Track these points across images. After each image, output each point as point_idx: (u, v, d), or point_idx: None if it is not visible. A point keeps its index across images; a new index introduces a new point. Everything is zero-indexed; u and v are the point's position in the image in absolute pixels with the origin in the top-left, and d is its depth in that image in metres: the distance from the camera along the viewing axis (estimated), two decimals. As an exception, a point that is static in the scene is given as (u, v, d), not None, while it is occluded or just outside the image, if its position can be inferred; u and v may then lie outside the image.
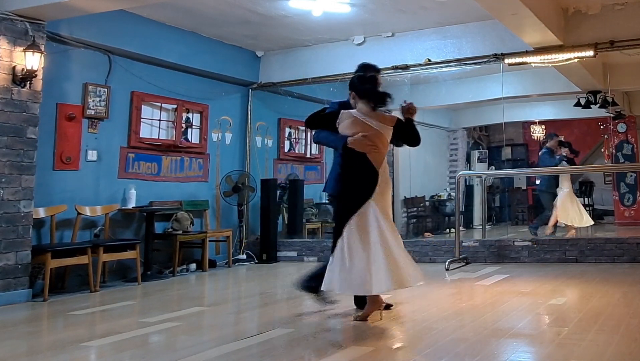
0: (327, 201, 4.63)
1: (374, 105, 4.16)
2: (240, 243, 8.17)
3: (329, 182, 4.48)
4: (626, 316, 4.12)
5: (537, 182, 10.09)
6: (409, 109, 4.33)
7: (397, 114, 4.39)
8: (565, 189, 8.98)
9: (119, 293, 5.73)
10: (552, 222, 8.89)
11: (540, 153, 9.49)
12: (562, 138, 9.73)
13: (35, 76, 5.46)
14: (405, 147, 4.85)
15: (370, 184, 4.09)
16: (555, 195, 8.99)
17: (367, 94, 4.17)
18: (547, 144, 9.24)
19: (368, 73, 4.36)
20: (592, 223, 9.16)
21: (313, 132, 4.55)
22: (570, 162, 9.00)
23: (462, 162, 12.49)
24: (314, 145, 9.92)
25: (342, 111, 4.24)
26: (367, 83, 4.22)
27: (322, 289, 4.14)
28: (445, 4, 6.74)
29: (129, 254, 6.24)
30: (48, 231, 5.98)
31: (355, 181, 4.13)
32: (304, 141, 9.83)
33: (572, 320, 4.01)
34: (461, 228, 9.34)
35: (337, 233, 4.11)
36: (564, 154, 8.99)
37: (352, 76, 4.48)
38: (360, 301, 4.41)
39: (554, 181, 9.07)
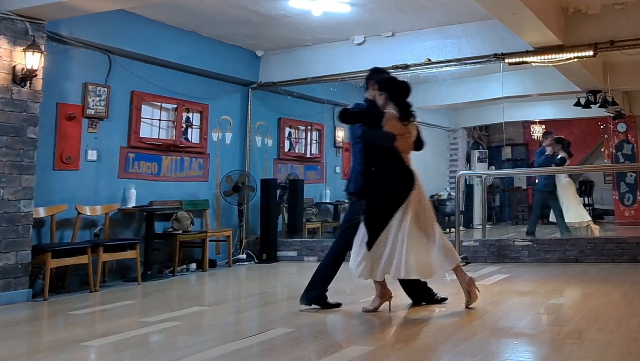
0: (347, 200, 4.67)
1: (403, 117, 4.36)
2: (240, 243, 8.17)
3: (352, 180, 4.55)
4: (626, 316, 4.12)
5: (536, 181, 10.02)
6: None
7: None
8: (563, 179, 8.82)
9: (119, 293, 5.73)
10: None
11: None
12: (562, 136, 9.56)
13: (35, 75, 5.46)
14: None
15: (409, 184, 4.32)
16: (553, 193, 8.82)
17: (401, 104, 4.38)
18: (543, 143, 9.16)
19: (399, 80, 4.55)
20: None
21: (360, 130, 4.49)
22: (561, 161, 8.73)
23: (462, 162, 12.50)
24: (314, 145, 9.93)
25: (387, 111, 4.36)
26: (404, 94, 4.42)
27: (361, 277, 4.35)
28: (445, 4, 6.74)
29: (129, 254, 6.24)
30: (48, 230, 5.98)
31: (395, 181, 4.32)
32: (304, 140, 9.83)
33: (572, 320, 4.01)
34: (461, 228, 9.34)
35: (373, 228, 4.24)
36: (551, 153, 8.77)
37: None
38: (412, 291, 4.60)
39: (550, 180, 8.89)
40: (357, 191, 4.49)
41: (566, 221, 8.69)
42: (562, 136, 9.60)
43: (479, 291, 4.44)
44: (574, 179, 10.03)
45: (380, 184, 4.33)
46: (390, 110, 4.36)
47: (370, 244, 4.26)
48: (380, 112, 4.36)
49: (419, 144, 4.54)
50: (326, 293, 4.65)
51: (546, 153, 8.80)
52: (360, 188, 4.44)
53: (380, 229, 4.25)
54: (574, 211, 8.78)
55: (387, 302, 4.50)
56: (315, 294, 4.62)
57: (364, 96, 4.69)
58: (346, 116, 4.42)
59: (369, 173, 4.37)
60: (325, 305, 4.61)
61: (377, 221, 4.27)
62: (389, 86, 4.47)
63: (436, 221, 4.47)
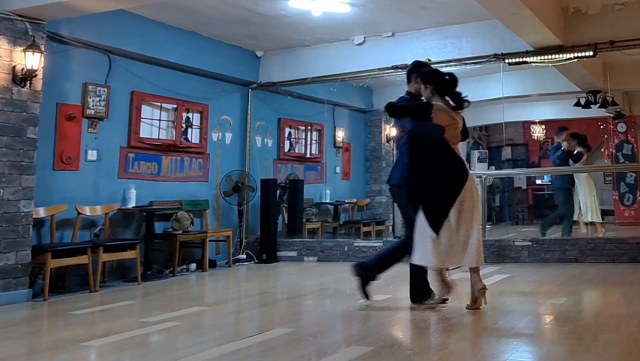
0: (390, 192, 4.69)
1: (456, 107, 4.46)
2: (240, 243, 8.17)
3: (395, 173, 4.59)
4: (626, 316, 4.12)
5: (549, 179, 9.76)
6: None
7: None
8: (581, 175, 8.51)
9: (119, 293, 5.72)
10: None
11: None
12: (577, 131, 9.10)
13: (35, 75, 5.45)
14: None
15: (464, 174, 4.37)
16: (570, 191, 8.50)
17: (451, 94, 4.46)
18: (557, 139, 8.85)
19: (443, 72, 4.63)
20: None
21: (408, 123, 4.52)
22: (579, 156, 8.45)
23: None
24: (314, 145, 9.93)
25: (434, 103, 4.42)
26: (451, 84, 4.48)
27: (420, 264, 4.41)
28: (445, 4, 6.74)
29: (129, 254, 6.24)
30: (48, 231, 5.98)
31: (449, 172, 4.38)
32: (303, 141, 9.83)
33: (572, 320, 4.01)
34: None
35: (436, 220, 4.29)
36: (567, 148, 8.49)
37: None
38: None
39: (568, 178, 8.60)
40: (402, 183, 4.52)
41: (585, 220, 8.43)
42: (576, 132, 9.30)
43: (485, 303, 4.39)
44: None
45: (435, 176, 4.38)
46: (437, 102, 4.43)
47: (435, 235, 4.30)
48: (428, 105, 4.42)
49: (465, 134, 4.62)
50: (374, 280, 4.62)
51: (562, 149, 8.55)
52: (407, 180, 4.48)
53: (442, 220, 4.29)
54: (593, 211, 8.48)
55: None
56: (366, 274, 4.57)
57: (406, 90, 4.75)
58: (394, 110, 4.48)
59: (420, 165, 4.43)
60: (364, 288, 4.57)
61: (438, 212, 4.31)
62: (434, 78, 4.53)
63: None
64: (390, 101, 4.49)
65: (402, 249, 4.60)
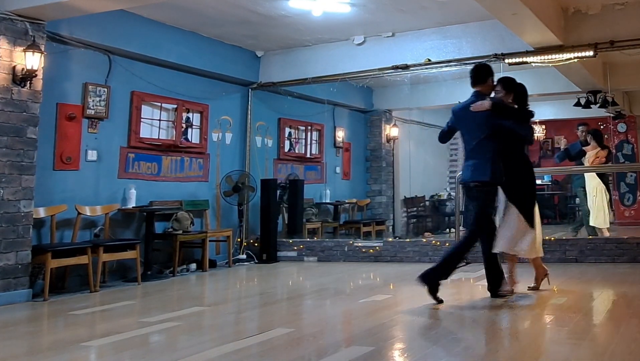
0: (476, 188, 4.84)
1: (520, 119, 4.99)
2: (240, 243, 8.17)
3: (484, 170, 4.80)
4: (626, 316, 4.12)
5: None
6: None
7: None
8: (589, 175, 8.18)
9: (119, 293, 5.73)
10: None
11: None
12: (598, 128, 8.80)
13: (35, 75, 5.45)
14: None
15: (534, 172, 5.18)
16: (584, 190, 8.24)
17: (525, 104, 5.05)
18: (580, 135, 8.52)
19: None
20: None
21: (518, 126, 4.93)
22: (579, 154, 8.14)
23: (462, 162, 12.46)
24: (314, 145, 9.93)
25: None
26: (526, 95, 5.11)
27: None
28: (445, 4, 6.74)
29: (129, 254, 6.24)
30: (48, 231, 5.98)
31: (531, 169, 5.11)
32: (304, 141, 9.83)
33: (572, 319, 4.01)
34: (461, 228, 9.32)
35: (530, 215, 4.87)
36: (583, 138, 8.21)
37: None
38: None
39: (582, 177, 8.38)
40: (495, 180, 4.82)
41: (592, 224, 8.07)
42: (597, 128, 8.87)
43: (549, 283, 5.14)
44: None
45: (530, 176, 5.01)
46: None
47: (531, 228, 4.86)
48: (531, 112, 5.00)
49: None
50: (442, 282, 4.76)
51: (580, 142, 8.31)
52: (499, 177, 4.81)
53: (534, 215, 4.90)
54: (600, 215, 8.04)
55: (546, 278, 5.14)
56: (435, 281, 4.67)
57: (476, 90, 5.02)
58: (501, 110, 4.85)
59: (518, 165, 4.93)
60: (435, 295, 4.63)
61: (531, 208, 4.90)
62: (514, 86, 5.06)
63: None
64: (494, 99, 4.90)
65: (467, 247, 4.80)
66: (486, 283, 4.85)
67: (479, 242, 4.81)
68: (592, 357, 3.07)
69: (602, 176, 8.18)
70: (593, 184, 8.16)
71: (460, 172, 5.20)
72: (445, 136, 5.34)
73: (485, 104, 4.80)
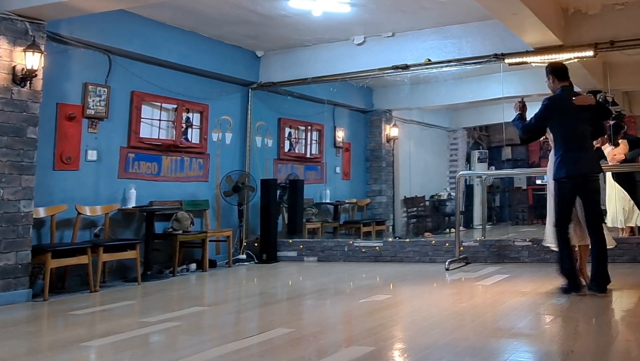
0: (596, 180, 5.03)
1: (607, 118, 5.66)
2: (240, 243, 8.17)
3: (593, 161, 5.09)
4: (626, 316, 4.12)
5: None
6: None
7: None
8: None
9: (119, 293, 5.72)
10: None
11: None
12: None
13: (35, 75, 5.45)
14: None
15: None
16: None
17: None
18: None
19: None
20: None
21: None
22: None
23: (462, 162, 12.49)
24: (314, 145, 9.93)
25: None
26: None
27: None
28: (445, 4, 6.74)
29: (129, 254, 6.24)
30: (48, 231, 5.98)
31: None
32: (304, 141, 9.83)
33: (572, 319, 4.01)
34: (461, 228, 9.33)
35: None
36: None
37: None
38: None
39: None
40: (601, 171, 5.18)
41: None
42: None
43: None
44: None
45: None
46: None
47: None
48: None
49: None
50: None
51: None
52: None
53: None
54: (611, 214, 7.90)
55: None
56: (606, 284, 4.89)
57: (562, 85, 5.20)
58: (602, 108, 5.21)
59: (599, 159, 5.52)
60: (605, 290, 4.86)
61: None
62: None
63: None
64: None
65: (605, 241, 4.99)
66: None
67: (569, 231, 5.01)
68: (592, 357, 3.07)
69: (617, 176, 7.98)
70: (610, 183, 8.03)
71: (557, 165, 4.99)
72: (536, 134, 5.48)
73: (588, 98, 5.14)
